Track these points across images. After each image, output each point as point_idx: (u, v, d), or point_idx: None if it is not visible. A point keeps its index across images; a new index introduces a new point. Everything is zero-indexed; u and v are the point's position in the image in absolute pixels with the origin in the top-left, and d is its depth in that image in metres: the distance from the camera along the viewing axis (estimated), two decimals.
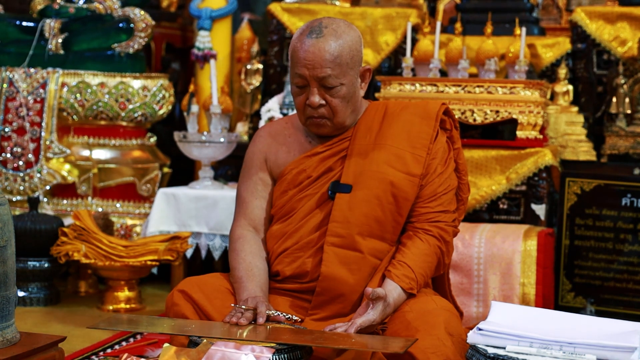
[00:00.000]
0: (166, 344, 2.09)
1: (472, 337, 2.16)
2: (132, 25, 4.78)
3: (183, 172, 5.19)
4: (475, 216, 4.14)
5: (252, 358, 2.00)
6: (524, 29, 4.29)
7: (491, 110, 4.17)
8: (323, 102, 2.56)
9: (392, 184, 2.57)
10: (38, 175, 4.63)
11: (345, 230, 2.56)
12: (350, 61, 2.55)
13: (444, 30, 4.86)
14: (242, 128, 5.08)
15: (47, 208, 4.62)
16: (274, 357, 2.12)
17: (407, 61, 4.44)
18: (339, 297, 2.54)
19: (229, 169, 4.85)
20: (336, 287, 2.54)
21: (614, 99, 4.60)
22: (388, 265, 2.57)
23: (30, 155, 4.65)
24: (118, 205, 4.72)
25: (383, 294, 2.42)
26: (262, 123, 4.81)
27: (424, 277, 2.57)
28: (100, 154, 4.77)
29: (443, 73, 4.52)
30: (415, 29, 4.96)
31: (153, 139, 4.96)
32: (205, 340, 2.08)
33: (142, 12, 4.83)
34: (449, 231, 2.65)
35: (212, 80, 4.49)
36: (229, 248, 2.72)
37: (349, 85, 2.57)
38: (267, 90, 5.20)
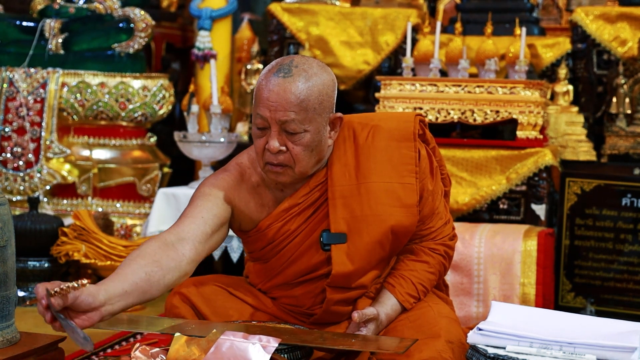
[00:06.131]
0: (177, 333, 2.11)
1: (472, 337, 2.16)
2: (132, 25, 4.78)
3: (183, 172, 5.19)
4: (475, 216, 4.14)
5: (259, 347, 2.02)
6: (524, 29, 4.29)
7: (491, 110, 4.17)
8: (283, 148, 2.31)
9: (393, 226, 2.41)
10: (38, 175, 4.64)
11: (348, 282, 2.44)
12: (318, 106, 2.29)
13: (444, 30, 4.86)
14: (242, 128, 5.09)
15: (47, 208, 4.62)
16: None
17: (407, 61, 4.44)
18: (340, 321, 2.51)
19: None
20: (338, 317, 2.50)
21: (614, 99, 4.60)
22: (388, 276, 2.51)
23: (30, 155, 4.65)
24: (118, 205, 4.72)
25: (374, 314, 2.35)
26: None
27: (425, 293, 2.52)
28: (100, 154, 4.77)
29: (443, 73, 4.52)
30: (415, 29, 4.97)
31: (153, 139, 4.97)
32: (215, 330, 2.11)
33: (142, 12, 4.83)
34: (452, 246, 2.57)
35: (212, 80, 4.49)
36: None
37: (315, 132, 2.31)
38: None
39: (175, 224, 2.35)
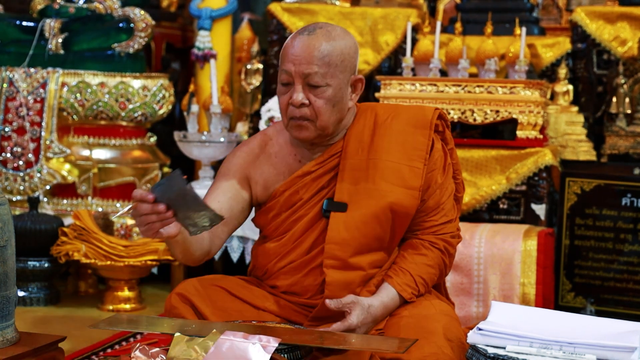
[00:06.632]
0: (177, 333, 2.11)
1: (472, 337, 2.16)
2: (132, 25, 4.78)
3: (183, 172, 5.17)
4: (475, 216, 4.14)
5: (260, 347, 2.03)
6: (524, 29, 4.29)
7: (491, 110, 4.17)
8: (306, 101, 2.44)
9: (392, 202, 2.47)
10: (38, 175, 4.63)
11: (343, 252, 2.47)
12: (339, 64, 2.44)
13: (444, 30, 4.86)
14: (242, 128, 5.09)
15: (47, 208, 4.62)
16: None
17: (407, 61, 4.44)
18: (340, 314, 2.52)
19: None
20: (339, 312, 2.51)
21: (614, 99, 4.60)
22: (388, 270, 2.53)
23: (30, 155, 4.65)
24: (118, 205, 4.72)
25: (351, 299, 2.37)
26: (262, 123, 4.82)
27: (425, 287, 2.53)
28: (100, 153, 4.77)
29: (443, 73, 4.52)
30: (415, 29, 4.96)
31: (153, 139, 4.96)
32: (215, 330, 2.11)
33: (142, 12, 4.83)
34: (453, 244, 2.60)
35: (212, 80, 4.49)
36: None
37: (336, 88, 2.45)
38: (267, 90, 5.20)
39: None
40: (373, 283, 2.53)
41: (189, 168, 5.20)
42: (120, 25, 4.80)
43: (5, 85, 4.71)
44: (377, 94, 4.34)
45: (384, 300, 2.45)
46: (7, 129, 4.67)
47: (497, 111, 4.16)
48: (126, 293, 4.18)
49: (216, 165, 4.78)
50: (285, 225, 2.55)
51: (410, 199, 2.49)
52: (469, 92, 4.18)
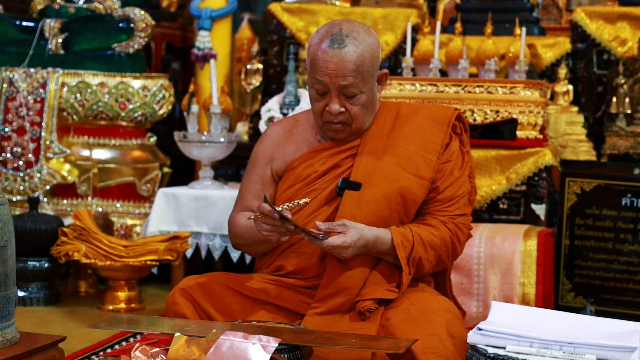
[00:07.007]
0: (177, 333, 2.11)
1: (472, 337, 2.16)
2: (132, 25, 4.77)
3: (183, 172, 5.19)
4: (475, 216, 4.13)
5: (259, 347, 2.03)
6: (524, 29, 4.29)
7: (491, 110, 4.17)
8: (343, 109, 2.59)
9: (402, 186, 2.60)
10: (38, 175, 4.63)
11: None
12: (370, 68, 2.57)
13: (444, 30, 4.86)
14: (242, 128, 5.08)
15: (47, 208, 4.62)
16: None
17: (407, 61, 4.44)
18: (342, 291, 2.55)
19: (229, 169, 4.85)
20: (341, 281, 2.55)
21: (614, 99, 4.60)
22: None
23: (30, 155, 4.65)
24: (118, 205, 4.72)
25: (340, 222, 2.47)
26: (262, 123, 4.81)
27: (424, 249, 2.58)
28: (100, 153, 4.77)
29: (443, 73, 4.52)
30: (415, 29, 4.96)
31: (153, 139, 4.96)
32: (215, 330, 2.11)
33: (142, 12, 4.83)
34: (464, 231, 2.68)
35: (212, 80, 4.49)
36: (229, 227, 2.77)
37: (369, 92, 2.60)
38: (267, 90, 5.20)
39: (239, 203, 2.78)
40: (376, 272, 2.56)
41: (189, 168, 5.20)
42: (120, 25, 4.80)
43: (5, 85, 4.71)
44: None
45: (376, 232, 2.53)
46: (7, 129, 4.67)
47: (497, 111, 4.16)
48: (126, 293, 4.18)
49: (216, 165, 4.79)
50: (298, 198, 2.63)
51: (419, 187, 2.61)
52: (469, 92, 4.18)
